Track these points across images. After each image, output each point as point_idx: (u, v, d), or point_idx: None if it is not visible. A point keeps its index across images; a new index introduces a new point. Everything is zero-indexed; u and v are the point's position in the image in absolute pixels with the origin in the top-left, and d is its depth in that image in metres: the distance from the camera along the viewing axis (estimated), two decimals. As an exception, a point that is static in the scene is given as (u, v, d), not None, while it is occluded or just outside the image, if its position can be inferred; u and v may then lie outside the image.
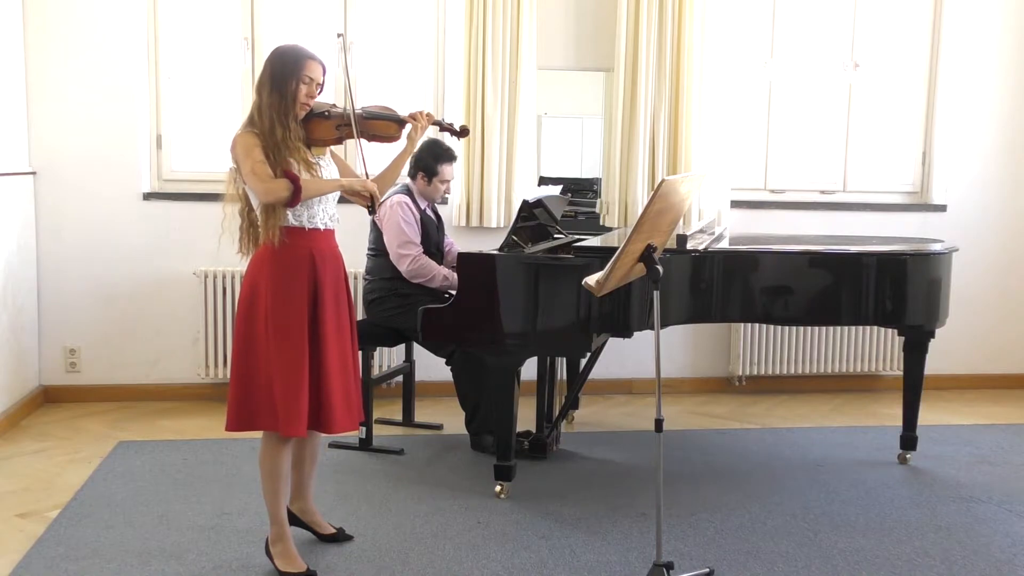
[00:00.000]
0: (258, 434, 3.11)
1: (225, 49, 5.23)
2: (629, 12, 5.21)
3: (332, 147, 3.23)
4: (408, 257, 4.31)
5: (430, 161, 4.43)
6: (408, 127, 3.24)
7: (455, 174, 4.68)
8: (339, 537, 3.39)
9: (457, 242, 4.81)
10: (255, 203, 3.02)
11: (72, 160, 5.05)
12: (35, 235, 5.06)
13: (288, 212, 2.99)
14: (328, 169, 3.14)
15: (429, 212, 4.53)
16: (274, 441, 3.07)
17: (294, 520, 3.33)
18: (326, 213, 3.09)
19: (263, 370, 3.01)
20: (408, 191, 4.45)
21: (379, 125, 3.19)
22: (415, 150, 3.62)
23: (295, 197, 2.94)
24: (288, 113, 2.99)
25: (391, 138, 3.23)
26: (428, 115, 3.27)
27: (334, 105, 3.15)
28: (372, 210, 3.12)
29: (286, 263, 3.01)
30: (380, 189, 3.26)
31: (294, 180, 2.93)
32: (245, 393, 3.03)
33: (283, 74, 2.99)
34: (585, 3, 5.37)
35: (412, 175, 4.49)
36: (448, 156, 4.48)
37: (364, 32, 5.29)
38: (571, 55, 5.41)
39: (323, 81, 3.08)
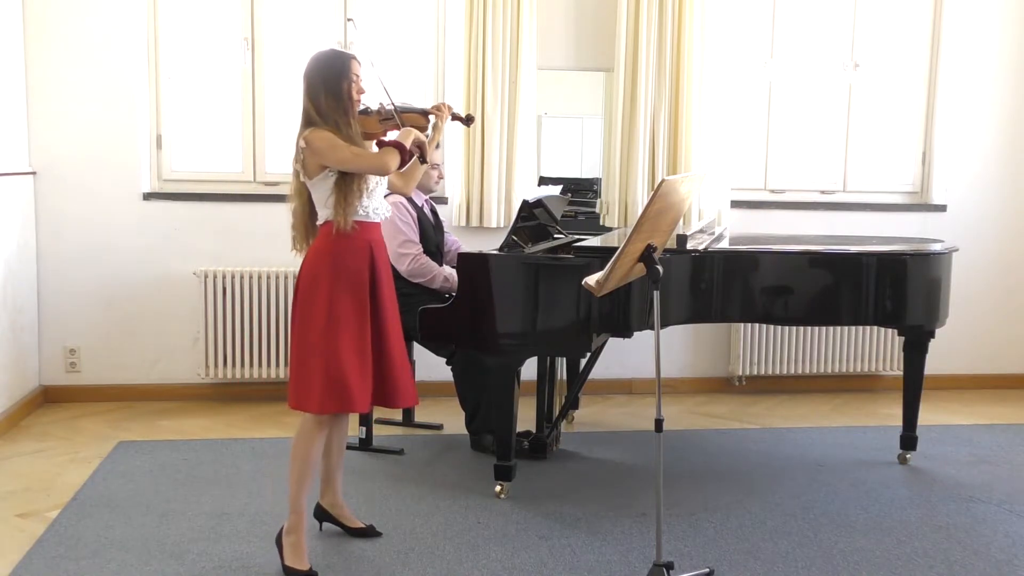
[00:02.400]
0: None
1: (225, 49, 5.23)
2: (629, 12, 5.21)
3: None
4: (408, 256, 4.30)
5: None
6: (433, 118, 3.45)
7: (444, 159, 4.70)
8: (369, 532, 3.41)
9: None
10: (323, 198, 3.12)
11: (72, 160, 5.05)
12: (35, 235, 5.06)
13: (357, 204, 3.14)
14: None
15: (427, 211, 4.52)
16: (311, 426, 3.14)
17: (325, 516, 3.42)
18: (382, 205, 3.27)
19: (323, 355, 3.09)
20: None
21: (411, 117, 3.37)
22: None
23: (403, 158, 3.15)
24: (348, 111, 3.17)
25: (422, 129, 3.39)
26: (448, 107, 3.50)
27: (367, 105, 3.35)
28: (423, 159, 3.27)
29: (348, 253, 3.15)
30: (413, 176, 3.56)
31: (397, 145, 3.15)
32: (305, 375, 3.11)
33: (334, 77, 3.16)
34: (585, 3, 5.37)
35: None
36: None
37: (364, 32, 5.28)
38: (571, 55, 5.41)
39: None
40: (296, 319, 3.18)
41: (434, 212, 4.60)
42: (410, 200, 4.40)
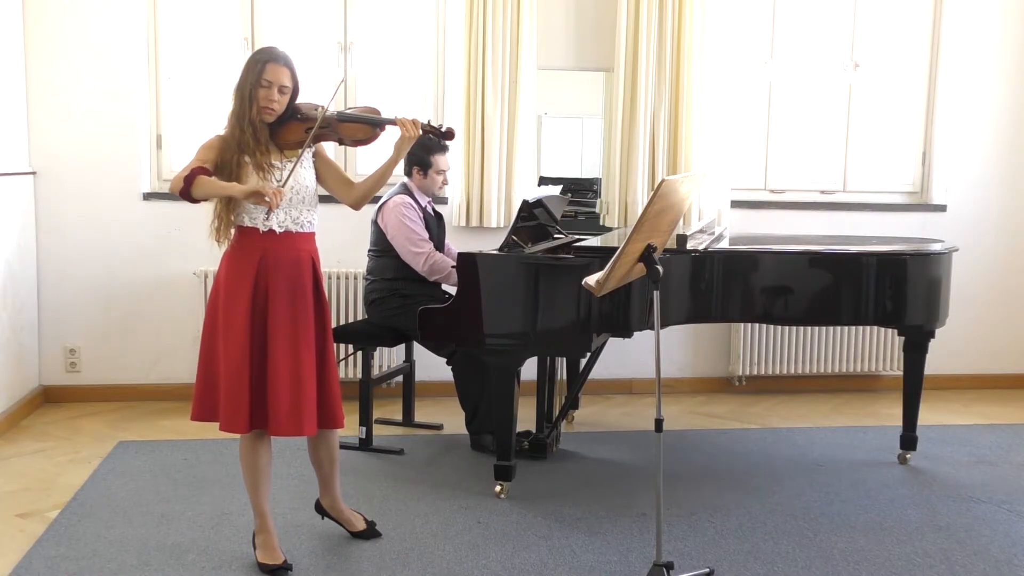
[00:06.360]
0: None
1: (225, 49, 5.23)
2: (629, 12, 5.22)
3: (324, 147, 3.24)
4: (422, 255, 4.30)
5: (423, 154, 4.41)
6: (391, 130, 3.12)
7: (451, 165, 4.61)
8: (369, 532, 3.41)
9: (457, 242, 4.82)
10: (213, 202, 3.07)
11: (72, 160, 5.05)
12: (35, 235, 5.06)
13: (244, 213, 3.04)
14: (296, 171, 3.06)
15: (430, 210, 4.53)
16: (246, 436, 3.12)
17: (326, 513, 3.43)
18: (288, 216, 3.06)
19: (204, 361, 3.10)
20: (407, 190, 4.45)
21: (353, 128, 3.12)
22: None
23: (184, 191, 2.96)
24: (244, 117, 3.02)
25: (367, 140, 3.15)
26: (414, 121, 3.10)
27: (316, 107, 3.11)
28: (267, 216, 2.99)
29: (237, 263, 3.07)
30: (365, 193, 3.18)
31: (191, 176, 2.95)
32: (206, 384, 3.10)
33: (245, 77, 3.04)
34: (585, 3, 5.37)
35: (408, 172, 4.48)
36: (440, 146, 4.42)
37: (364, 32, 5.29)
38: (571, 55, 5.41)
39: (291, 83, 3.05)
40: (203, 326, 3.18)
41: (436, 211, 4.61)
42: (414, 199, 4.40)
